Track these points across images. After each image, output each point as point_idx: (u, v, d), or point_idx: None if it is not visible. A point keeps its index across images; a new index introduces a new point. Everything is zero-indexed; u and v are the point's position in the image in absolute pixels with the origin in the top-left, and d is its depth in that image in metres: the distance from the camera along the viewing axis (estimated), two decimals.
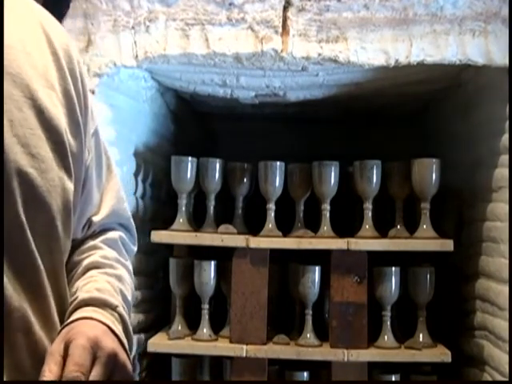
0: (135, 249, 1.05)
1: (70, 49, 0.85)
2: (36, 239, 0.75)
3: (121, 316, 0.83)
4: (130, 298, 0.90)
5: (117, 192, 0.97)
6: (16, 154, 0.72)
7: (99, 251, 0.92)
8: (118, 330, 0.80)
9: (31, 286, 0.75)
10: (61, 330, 0.77)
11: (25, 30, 0.81)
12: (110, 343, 0.75)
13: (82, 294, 0.83)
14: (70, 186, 0.80)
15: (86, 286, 0.84)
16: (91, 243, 0.92)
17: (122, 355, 0.76)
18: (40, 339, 0.76)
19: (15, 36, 0.78)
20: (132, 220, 1.03)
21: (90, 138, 0.88)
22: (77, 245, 0.91)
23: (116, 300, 0.84)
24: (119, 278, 0.89)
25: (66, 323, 0.78)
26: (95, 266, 0.89)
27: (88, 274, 0.87)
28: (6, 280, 0.71)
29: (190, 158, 1.91)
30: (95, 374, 0.71)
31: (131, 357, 0.81)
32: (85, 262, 0.89)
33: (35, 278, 0.76)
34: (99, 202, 0.94)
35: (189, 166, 1.91)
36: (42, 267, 0.76)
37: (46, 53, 0.81)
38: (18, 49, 0.77)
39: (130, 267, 0.97)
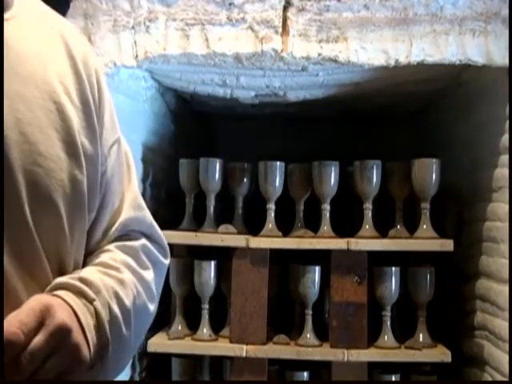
0: (166, 261, 0.98)
1: (88, 56, 0.85)
2: (43, 240, 0.73)
3: (96, 312, 0.74)
4: (129, 305, 0.80)
5: (134, 200, 0.93)
6: (22, 151, 0.71)
7: (109, 253, 0.86)
8: (86, 320, 0.72)
9: (40, 285, 0.73)
10: None
11: (42, 35, 0.81)
12: (64, 316, 0.67)
13: (59, 279, 0.75)
14: (83, 187, 0.78)
15: (71, 275, 0.77)
16: (105, 248, 0.88)
17: (78, 336, 0.68)
18: None
19: (32, 40, 0.78)
20: (158, 229, 0.97)
21: (108, 147, 0.86)
22: (93, 251, 0.87)
23: (97, 296, 0.75)
24: (120, 282, 0.81)
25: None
26: (99, 265, 0.83)
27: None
28: (14, 281, 0.70)
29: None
30: (37, 341, 0.63)
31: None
32: (90, 264, 0.84)
33: (43, 278, 0.74)
34: (118, 210, 0.90)
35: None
36: (48, 268, 0.74)
37: (62, 56, 0.81)
38: (32, 51, 0.77)
39: (149, 277, 0.89)
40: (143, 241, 0.92)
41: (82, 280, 0.76)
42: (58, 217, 0.75)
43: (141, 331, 0.88)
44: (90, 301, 0.74)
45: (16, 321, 0.63)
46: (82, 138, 0.79)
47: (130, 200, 0.92)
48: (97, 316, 0.74)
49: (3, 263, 0.69)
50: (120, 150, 0.92)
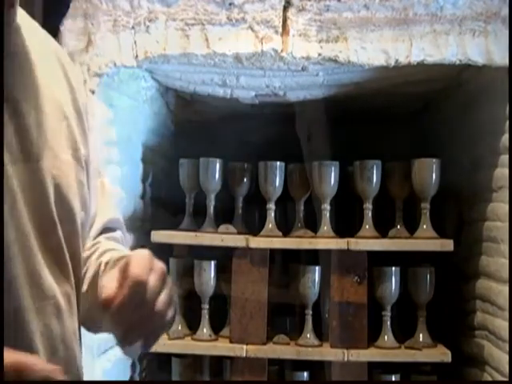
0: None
1: (83, 86, 0.96)
2: (64, 236, 0.81)
3: None
4: None
5: (108, 196, 1.04)
6: (48, 158, 0.79)
7: (107, 242, 0.98)
8: None
9: (62, 276, 0.81)
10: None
11: (46, 63, 0.86)
12: (161, 263, 0.81)
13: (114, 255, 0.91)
14: (86, 189, 0.88)
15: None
16: (96, 240, 0.98)
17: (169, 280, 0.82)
18: (68, 325, 0.81)
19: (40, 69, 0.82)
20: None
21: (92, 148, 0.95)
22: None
23: None
24: None
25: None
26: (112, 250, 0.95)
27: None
28: (45, 269, 0.77)
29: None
30: (152, 279, 0.76)
31: None
32: (97, 252, 0.95)
33: (65, 269, 0.82)
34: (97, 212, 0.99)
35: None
36: (68, 261, 0.82)
37: (63, 83, 0.89)
38: (42, 81, 0.83)
39: None
40: (119, 231, 1.05)
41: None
42: (73, 216, 0.84)
43: None
44: None
45: (137, 266, 0.75)
46: (80, 145, 0.87)
47: (106, 196, 1.04)
48: None
49: (3, 264, 0.71)
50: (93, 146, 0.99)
